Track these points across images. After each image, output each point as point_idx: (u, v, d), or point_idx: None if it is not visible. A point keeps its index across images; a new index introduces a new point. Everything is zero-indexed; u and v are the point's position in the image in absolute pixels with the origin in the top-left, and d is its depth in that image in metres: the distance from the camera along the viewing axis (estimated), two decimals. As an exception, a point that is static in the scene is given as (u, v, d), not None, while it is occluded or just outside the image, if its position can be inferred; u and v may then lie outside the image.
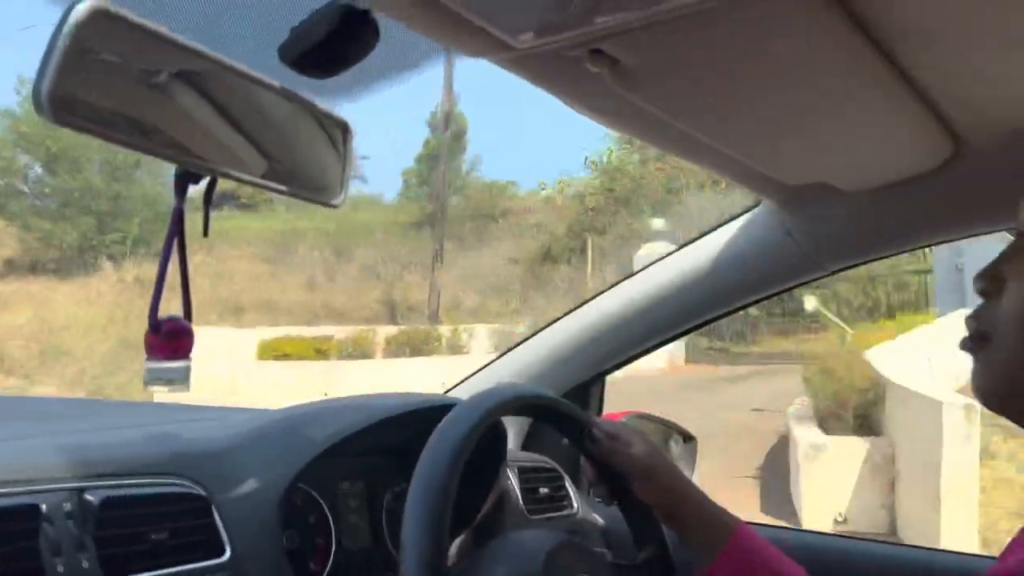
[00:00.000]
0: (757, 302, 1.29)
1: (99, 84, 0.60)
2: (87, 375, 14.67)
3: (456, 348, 14.86)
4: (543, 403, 0.98)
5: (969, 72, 0.79)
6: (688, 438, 1.66)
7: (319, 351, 14.44)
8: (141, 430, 0.96)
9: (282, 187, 0.77)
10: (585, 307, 1.42)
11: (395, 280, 19.44)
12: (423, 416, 1.07)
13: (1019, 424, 0.67)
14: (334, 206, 0.82)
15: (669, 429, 1.64)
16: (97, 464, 0.82)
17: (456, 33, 0.66)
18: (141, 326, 0.71)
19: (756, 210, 1.21)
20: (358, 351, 14.55)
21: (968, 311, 0.69)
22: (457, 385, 1.49)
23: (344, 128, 0.81)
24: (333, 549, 1.09)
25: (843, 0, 0.63)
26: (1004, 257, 0.67)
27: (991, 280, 0.67)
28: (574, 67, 0.72)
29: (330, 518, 1.10)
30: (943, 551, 1.30)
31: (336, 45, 0.64)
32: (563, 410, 1.00)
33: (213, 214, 0.77)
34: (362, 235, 20.27)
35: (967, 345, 0.68)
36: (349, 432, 1.00)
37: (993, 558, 0.73)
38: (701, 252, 1.27)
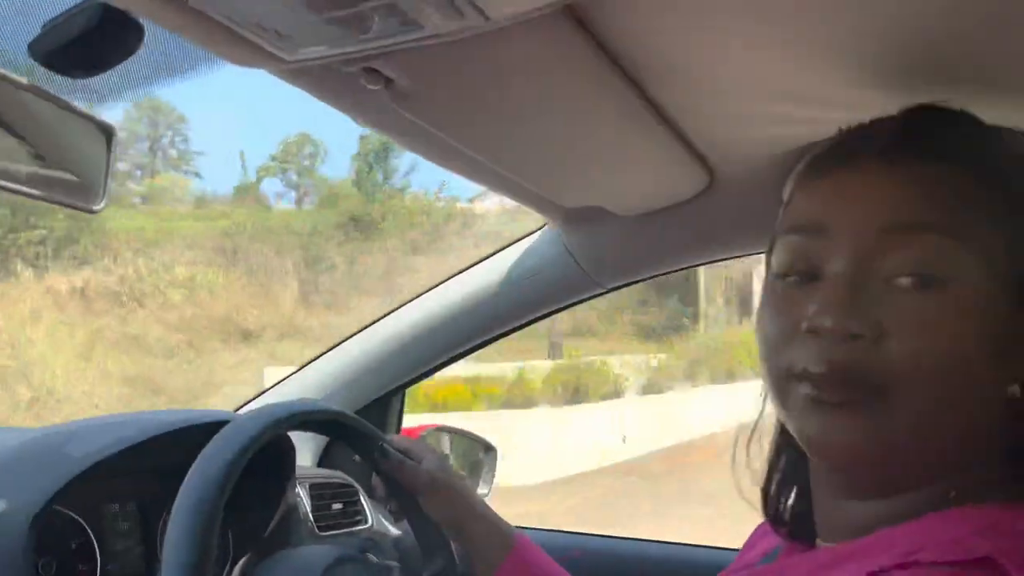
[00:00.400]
0: (542, 317, 1.36)
1: None
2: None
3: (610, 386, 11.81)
4: (328, 418, 0.98)
5: (718, 112, 0.87)
6: (488, 448, 1.71)
7: (479, 395, 10.91)
8: None
9: (37, 192, 0.73)
10: (380, 322, 1.43)
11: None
12: (197, 433, 1.03)
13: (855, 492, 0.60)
14: (94, 211, 0.78)
15: (471, 440, 1.68)
16: None
17: (227, 43, 0.65)
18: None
19: (541, 230, 1.28)
20: (520, 396, 11.21)
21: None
22: (247, 404, 1.45)
23: (109, 132, 0.78)
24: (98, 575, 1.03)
25: (595, 34, 0.68)
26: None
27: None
28: (352, 83, 0.73)
29: (95, 543, 1.04)
30: (696, 546, 1.43)
31: (94, 45, 0.62)
32: (350, 424, 1.00)
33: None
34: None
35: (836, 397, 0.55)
36: (114, 450, 0.95)
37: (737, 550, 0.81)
38: (491, 270, 1.32)
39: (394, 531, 1.53)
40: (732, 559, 0.78)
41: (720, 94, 0.82)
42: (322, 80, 0.75)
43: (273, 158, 19.22)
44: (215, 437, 0.81)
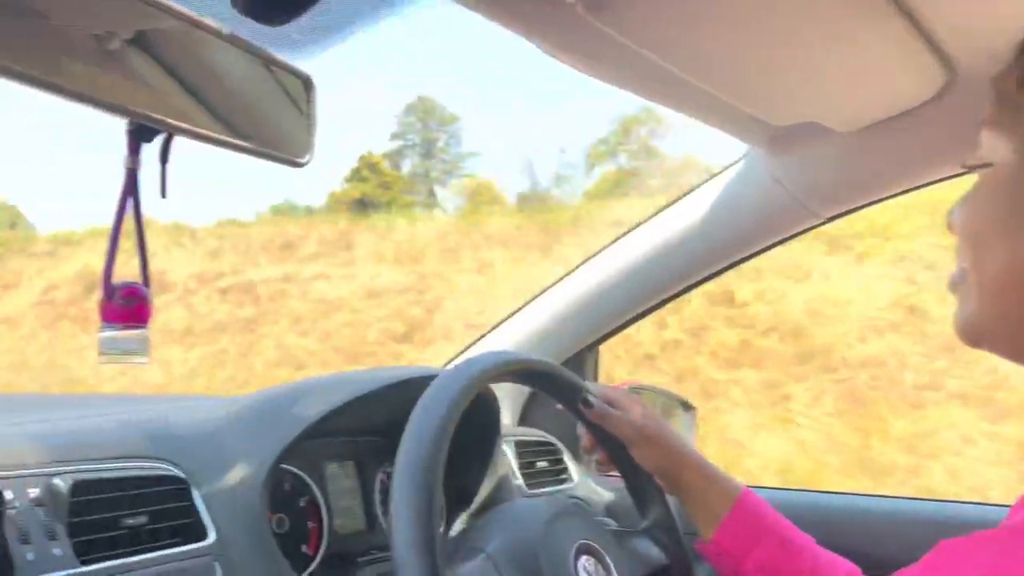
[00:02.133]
0: (751, 256, 1.25)
1: (36, 27, 0.56)
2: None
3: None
4: (534, 368, 0.94)
5: None
6: (687, 407, 1.63)
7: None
8: (112, 417, 0.91)
9: (244, 144, 0.73)
10: (574, 275, 1.38)
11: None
12: (406, 389, 1.03)
13: (1000, 355, 0.64)
14: (301, 165, 0.77)
15: (668, 399, 1.61)
16: (66, 450, 0.78)
17: None
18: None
19: (741, 161, 1.18)
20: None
21: None
22: (451, 361, 1.45)
23: (307, 83, 0.77)
24: (326, 532, 1.06)
25: None
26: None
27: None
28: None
29: (321, 501, 1.07)
30: (958, 502, 1.27)
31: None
32: (557, 375, 0.96)
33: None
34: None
35: (951, 282, 0.65)
36: (331, 408, 0.96)
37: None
38: (688, 210, 1.23)
39: (603, 492, 1.49)
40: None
41: None
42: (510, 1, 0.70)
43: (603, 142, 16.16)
44: (427, 391, 0.80)
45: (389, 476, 1.19)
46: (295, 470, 1.04)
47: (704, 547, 0.94)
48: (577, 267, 1.38)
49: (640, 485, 1.01)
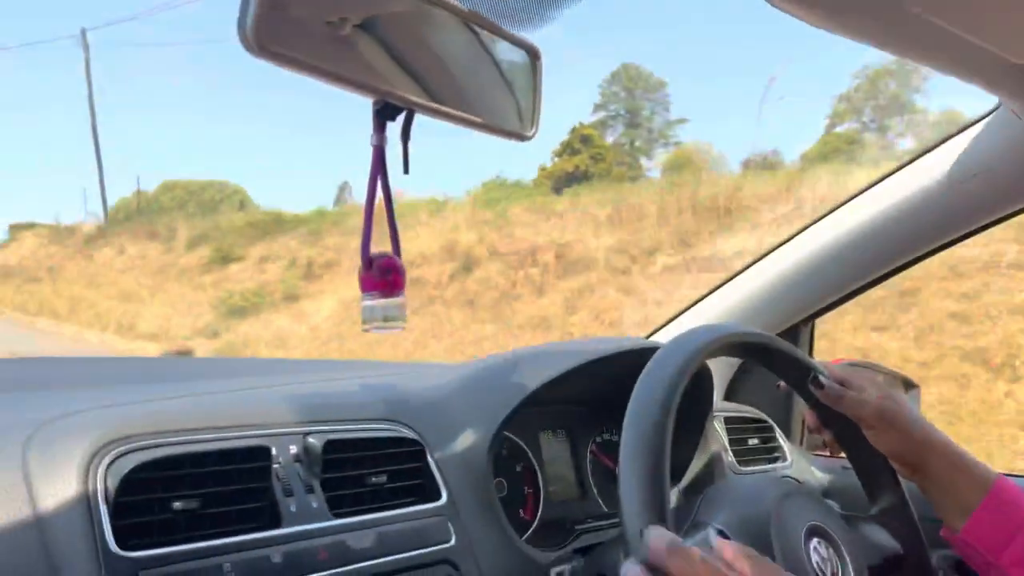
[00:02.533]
0: (997, 222, 1.13)
1: (303, 16, 0.59)
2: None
3: None
4: (762, 343, 0.90)
5: None
6: (910, 385, 1.51)
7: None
8: (356, 381, 0.98)
9: (477, 120, 0.74)
10: (792, 242, 1.30)
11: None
12: (625, 360, 1.02)
13: None
14: (527, 138, 0.78)
15: (889, 376, 1.50)
16: (319, 410, 0.84)
17: None
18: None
19: (992, 115, 1.05)
20: None
21: None
22: (657, 331, 1.43)
23: (534, 54, 0.77)
24: (542, 498, 1.08)
25: None
26: None
27: None
28: None
29: (536, 467, 1.09)
30: None
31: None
32: (785, 351, 0.91)
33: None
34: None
35: None
36: (555, 376, 0.97)
37: None
38: (927, 171, 1.13)
39: (818, 474, 1.42)
40: None
41: None
42: None
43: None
44: (656, 358, 0.78)
45: (599, 447, 1.19)
46: (512, 436, 1.07)
47: (952, 537, 0.86)
48: (794, 235, 1.30)
49: (872, 469, 0.94)
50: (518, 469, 1.08)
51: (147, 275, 15.34)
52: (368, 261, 0.73)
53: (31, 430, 0.67)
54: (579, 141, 16.11)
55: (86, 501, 0.63)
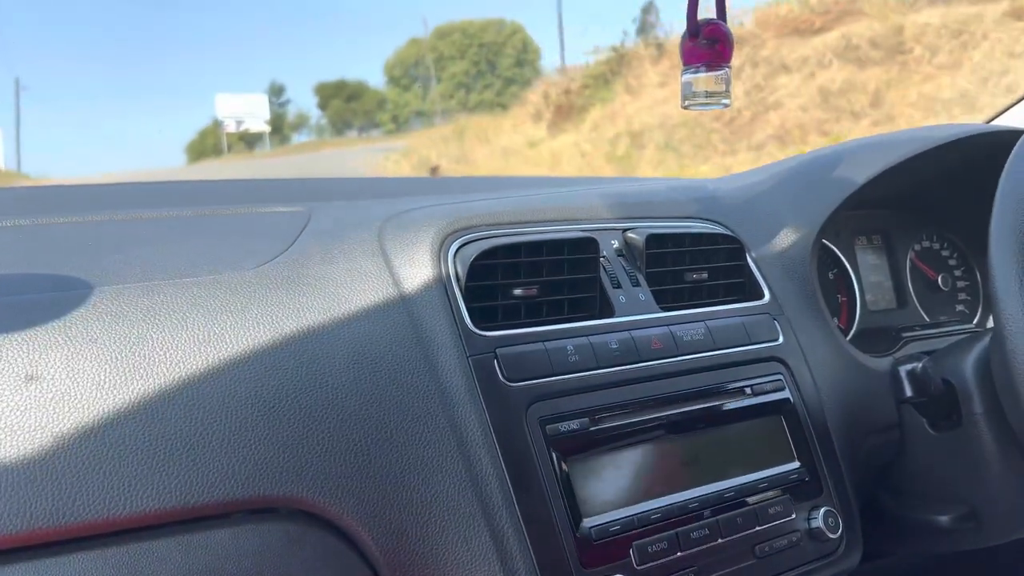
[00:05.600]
0: None
1: None
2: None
3: None
4: None
5: None
6: None
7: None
8: (666, 182, 0.94)
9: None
10: None
11: None
12: (956, 149, 0.89)
13: None
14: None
15: None
16: (635, 207, 0.82)
17: None
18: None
19: None
20: None
21: None
22: (1000, 114, 1.23)
23: None
24: (858, 307, 1.00)
25: None
26: None
27: None
28: None
29: (852, 274, 1.01)
30: None
31: None
32: None
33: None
34: None
35: None
36: (882, 169, 0.87)
37: None
38: None
39: None
40: None
41: None
42: None
43: None
44: (1017, 151, 0.66)
45: (919, 255, 1.08)
46: (825, 242, 0.99)
47: None
48: None
49: None
50: (831, 276, 1.00)
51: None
52: (694, 28, 0.67)
53: (379, 224, 0.71)
54: None
55: (442, 283, 0.66)
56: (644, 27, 16.56)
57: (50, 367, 0.53)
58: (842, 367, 0.83)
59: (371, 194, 0.97)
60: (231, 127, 20.58)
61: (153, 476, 0.53)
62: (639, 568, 0.63)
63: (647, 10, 17.07)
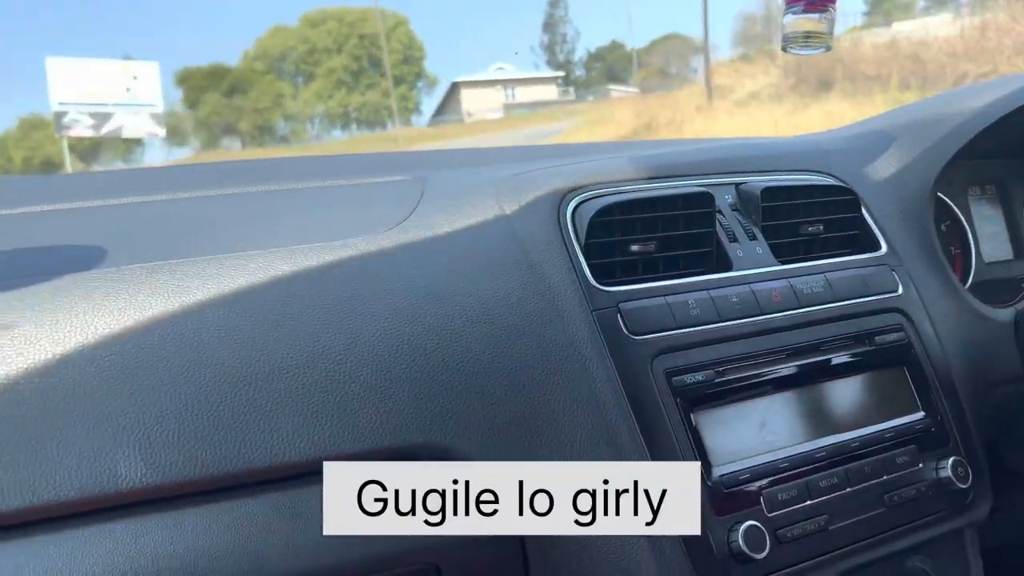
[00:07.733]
0: None
1: None
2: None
3: None
4: None
5: None
6: None
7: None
8: (772, 139, 0.93)
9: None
10: None
11: None
12: None
13: None
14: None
15: None
16: (747, 161, 0.81)
17: None
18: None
19: None
20: None
21: None
22: None
23: None
24: (973, 259, 0.98)
25: None
26: None
27: None
28: None
29: (966, 226, 0.98)
30: None
31: None
32: None
33: None
34: None
35: None
36: (1002, 115, 0.84)
37: None
38: None
39: None
40: None
41: None
42: None
43: None
44: None
45: None
46: (938, 194, 0.97)
47: None
48: None
49: None
50: (943, 228, 0.98)
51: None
52: None
53: (496, 186, 0.72)
54: None
55: (561, 241, 0.67)
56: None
57: (221, 322, 0.56)
58: (963, 318, 0.81)
59: (475, 162, 0.99)
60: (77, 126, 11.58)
61: (306, 428, 0.55)
62: (770, 515, 0.64)
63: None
